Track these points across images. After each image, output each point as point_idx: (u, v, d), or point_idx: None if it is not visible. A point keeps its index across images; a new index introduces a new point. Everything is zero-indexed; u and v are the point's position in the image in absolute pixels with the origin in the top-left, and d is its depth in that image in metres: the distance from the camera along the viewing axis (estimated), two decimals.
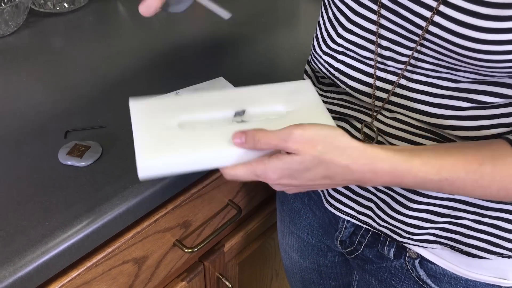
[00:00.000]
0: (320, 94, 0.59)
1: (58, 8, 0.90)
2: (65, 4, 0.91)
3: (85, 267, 0.55)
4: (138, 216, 0.58)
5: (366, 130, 0.54)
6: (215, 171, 0.67)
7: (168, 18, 0.93)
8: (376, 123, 0.53)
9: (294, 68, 0.78)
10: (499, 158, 0.44)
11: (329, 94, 0.58)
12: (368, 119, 0.53)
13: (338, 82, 0.54)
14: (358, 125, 0.54)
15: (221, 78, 0.76)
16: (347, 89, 0.53)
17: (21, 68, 0.77)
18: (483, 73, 0.44)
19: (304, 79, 0.60)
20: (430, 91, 0.48)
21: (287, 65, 0.80)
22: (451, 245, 0.54)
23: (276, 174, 0.45)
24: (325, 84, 0.58)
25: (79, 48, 0.82)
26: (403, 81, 0.49)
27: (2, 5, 0.87)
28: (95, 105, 0.69)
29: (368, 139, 0.54)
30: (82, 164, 0.59)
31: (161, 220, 0.62)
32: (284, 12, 0.98)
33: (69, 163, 0.59)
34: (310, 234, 0.70)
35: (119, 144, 0.63)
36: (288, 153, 0.44)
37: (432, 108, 0.48)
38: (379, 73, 0.51)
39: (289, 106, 0.51)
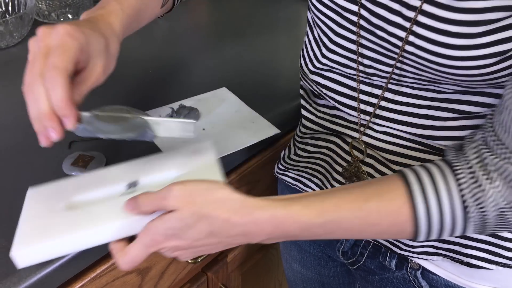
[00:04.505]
0: (313, 109, 0.60)
1: (62, 19, 0.91)
2: (69, 15, 0.92)
3: (89, 278, 0.55)
4: None
5: (356, 144, 0.54)
6: None
7: (169, 28, 0.94)
8: (365, 138, 0.53)
9: (296, 78, 0.79)
10: (385, 193, 0.43)
11: (321, 109, 0.58)
12: (357, 134, 0.54)
13: (327, 98, 0.55)
14: (350, 140, 0.55)
15: (224, 88, 0.77)
16: (336, 104, 0.54)
17: None
18: (463, 84, 0.44)
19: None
20: (416, 102, 0.48)
21: (290, 75, 0.80)
22: (451, 256, 0.54)
23: (160, 235, 0.43)
24: (318, 99, 0.59)
25: None
26: (388, 95, 0.50)
27: (7, 16, 0.88)
28: None
29: (357, 156, 0.55)
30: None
31: None
32: (287, 21, 0.99)
33: (73, 173, 0.59)
34: (312, 245, 0.70)
35: (123, 154, 0.63)
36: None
37: (419, 119, 0.49)
38: (363, 87, 0.51)
39: (182, 169, 0.51)
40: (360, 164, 0.55)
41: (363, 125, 0.53)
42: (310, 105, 0.60)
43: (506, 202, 0.41)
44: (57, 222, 0.46)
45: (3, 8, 0.88)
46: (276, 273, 0.93)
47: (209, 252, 0.46)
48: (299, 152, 0.63)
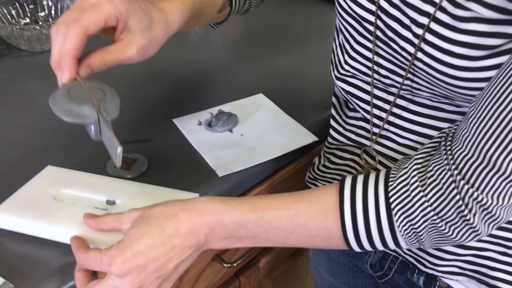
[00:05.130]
0: (342, 121, 0.60)
1: None
2: None
3: None
4: None
5: (369, 151, 0.55)
6: (258, 185, 0.68)
7: (205, 33, 0.95)
8: (377, 147, 0.54)
9: (331, 86, 0.79)
10: (316, 196, 0.44)
11: (350, 121, 0.58)
12: (379, 148, 0.54)
13: (354, 105, 0.56)
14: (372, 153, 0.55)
15: (261, 94, 0.78)
16: (361, 111, 0.55)
17: None
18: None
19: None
20: (435, 115, 0.49)
21: (324, 82, 0.80)
22: (478, 278, 0.53)
23: (109, 256, 0.43)
24: (348, 110, 0.59)
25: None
26: (402, 102, 0.50)
27: (49, 20, 0.90)
28: (140, 119, 0.71)
29: (370, 164, 0.55)
30: (129, 176, 0.60)
31: None
32: (319, 29, 0.99)
33: (117, 175, 0.60)
34: (341, 254, 0.69)
35: (163, 157, 0.64)
36: None
37: (437, 132, 0.49)
38: (377, 92, 0.52)
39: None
40: (372, 171, 0.55)
41: (374, 133, 0.54)
42: (340, 116, 0.60)
43: (434, 213, 0.40)
44: (37, 205, 0.53)
45: (47, 12, 0.91)
46: (304, 280, 0.93)
47: (167, 266, 0.44)
48: (327, 163, 0.63)
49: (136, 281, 0.42)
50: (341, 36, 0.55)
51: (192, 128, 0.69)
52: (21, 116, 0.72)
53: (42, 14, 0.91)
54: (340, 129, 0.60)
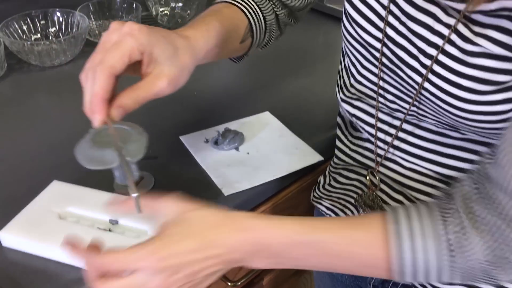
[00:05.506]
0: (348, 141, 0.60)
1: None
2: None
3: None
4: None
5: (372, 177, 0.55)
6: (263, 203, 0.68)
7: None
8: (382, 169, 0.54)
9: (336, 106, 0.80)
10: (374, 226, 0.43)
11: (355, 141, 0.59)
12: (385, 170, 0.54)
13: (359, 128, 0.56)
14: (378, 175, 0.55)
15: (267, 112, 0.78)
16: (367, 134, 0.55)
17: (77, 94, 0.80)
18: (480, 133, 0.45)
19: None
20: (441, 140, 0.49)
21: (330, 102, 0.81)
22: None
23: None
24: (353, 130, 0.60)
25: (131, 79, 0.85)
26: (408, 127, 0.50)
27: (60, 36, 0.92)
28: (147, 136, 0.71)
29: (372, 186, 0.55)
30: (135, 194, 0.60)
31: None
32: (327, 47, 1.00)
33: (123, 193, 0.61)
34: (345, 275, 0.69)
35: (170, 175, 0.65)
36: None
37: (445, 158, 0.49)
38: (382, 116, 0.52)
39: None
40: (376, 193, 0.55)
41: (379, 155, 0.54)
42: (346, 137, 0.61)
43: (486, 259, 0.40)
44: (42, 225, 0.54)
45: (57, 27, 0.92)
46: None
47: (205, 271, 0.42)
48: (333, 182, 0.63)
49: (166, 282, 0.41)
50: (347, 59, 0.55)
51: (198, 146, 0.70)
52: (30, 130, 0.73)
53: (52, 29, 0.92)
54: (346, 149, 0.60)
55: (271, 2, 0.65)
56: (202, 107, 0.79)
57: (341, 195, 0.62)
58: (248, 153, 0.70)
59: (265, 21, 0.63)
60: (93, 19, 0.95)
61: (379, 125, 0.53)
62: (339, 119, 0.62)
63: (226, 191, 0.62)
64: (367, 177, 0.56)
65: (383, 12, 0.47)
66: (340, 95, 0.58)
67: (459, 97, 0.42)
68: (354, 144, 0.59)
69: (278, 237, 0.43)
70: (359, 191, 0.59)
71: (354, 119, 0.56)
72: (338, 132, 0.62)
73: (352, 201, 0.61)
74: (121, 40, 0.44)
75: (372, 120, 0.54)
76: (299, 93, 0.83)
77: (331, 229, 0.43)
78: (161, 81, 0.45)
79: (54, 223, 0.55)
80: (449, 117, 0.44)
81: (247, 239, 0.43)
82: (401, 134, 0.52)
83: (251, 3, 0.61)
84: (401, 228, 0.42)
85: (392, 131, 0.52)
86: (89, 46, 0.93)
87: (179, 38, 0.48)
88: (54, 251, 0.52)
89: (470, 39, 0.40)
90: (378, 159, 0.54)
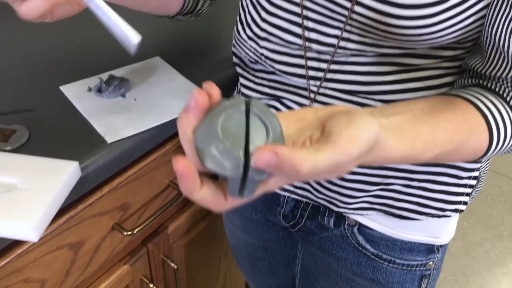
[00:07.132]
0: (251, 76, 0.59)
1: None
2: None
3: (14, 255, 0.53)
4: (70, 201, 0.56)
5: None
6: (153, 151, 0.66)
7: None
8: (316, 105, 0.53)
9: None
10: (473, 128, 0.44)
11: (259, 74, 0.57)
12: (302, 100, 0.54)
13: (266, 65, 0.55)
14: (293, 106, 0.55)
15: (158, 57, 0.75)
16: (277, 72, 0.54)
17: None
18: (406, 46, 0.45)
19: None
20: (358, 60, 0.49)
21: (227, 42, 0.79)
22: (384, 210, 0.57)
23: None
24: (254, 65, 0.58)
25: (3, 26, 0.78)
26: (338, 67, 0.50)
27: None
28: (22, 88, 0.66)
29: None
30: (8, 148, 0.56)
31: (97, 203, 0.61)
32: None
33: None
34: (254, 212, 0.70)
35: (48, 127, 0.60)
36: None
37: (361, 76, 0.49)
38: (310, 54, 0.51)
39: (25, 182, 0.51)
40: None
41: (312, 92, 0.53)
42: (248, 72, 0.59)
43: None
44: None
45: None
46: (221, 242, 0.93)
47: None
48: None
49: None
50: None
51: (81, 95, 0.66)
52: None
53: None
54: (251, 84, 0.59)
55: None
56: (86, 55, 0.74)
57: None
58: (135, 99, 0.67)
59: None
60: None
61: (308, 61, 0.51)
62: (235, 59, 0.60)
63: (110, 138, 0.60)
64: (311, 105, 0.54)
65: None
66: (247, 33, 0.55)
67: (395, 4, 0.41)
68: (258, 77, 0.57)
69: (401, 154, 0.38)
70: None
71: (263, 58, 0.54)
72: (239, 70, 0.61)
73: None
74: None
75: (282, 58, 0.52)
76: (193, 35, 0.80)
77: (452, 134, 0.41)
78: None
79: None
80: (382, 30, 0.44)
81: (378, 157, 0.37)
82: (333, 69, 0.50)
83: None
84: (488, 105, 0.43)
85: (323, 65, 0.51)
86: None
87: None
88: None
89: None
90: (312, 95, 0.53)
